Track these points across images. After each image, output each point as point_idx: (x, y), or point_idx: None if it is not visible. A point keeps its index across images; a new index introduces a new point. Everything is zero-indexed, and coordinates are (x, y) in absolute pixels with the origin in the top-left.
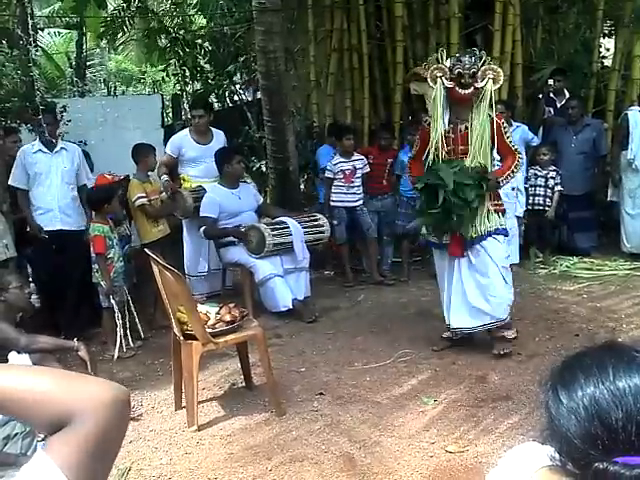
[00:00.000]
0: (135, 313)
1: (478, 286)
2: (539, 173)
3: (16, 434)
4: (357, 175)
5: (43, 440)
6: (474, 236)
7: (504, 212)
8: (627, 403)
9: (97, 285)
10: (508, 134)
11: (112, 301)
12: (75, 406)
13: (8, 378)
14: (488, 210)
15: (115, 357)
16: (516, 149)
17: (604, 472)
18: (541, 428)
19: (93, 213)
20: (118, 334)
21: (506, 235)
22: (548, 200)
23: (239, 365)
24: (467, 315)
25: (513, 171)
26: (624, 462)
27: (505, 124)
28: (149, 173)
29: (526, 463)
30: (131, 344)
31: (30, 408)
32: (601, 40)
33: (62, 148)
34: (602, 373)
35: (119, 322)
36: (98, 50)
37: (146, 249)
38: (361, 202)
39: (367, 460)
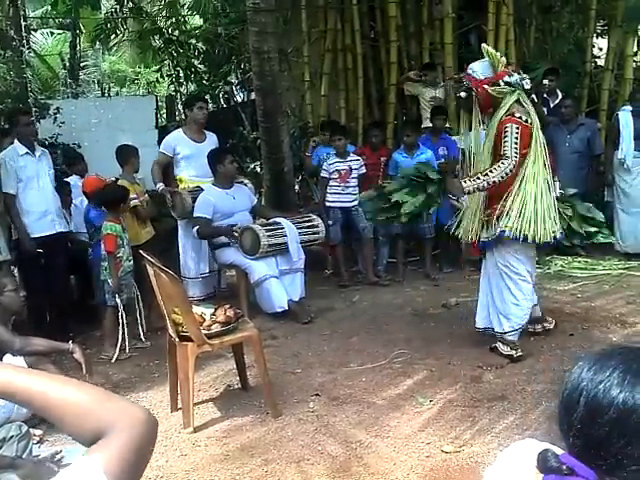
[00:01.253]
0: (141, 312)
1: (492, 290)
2: None
3: (12, 437)
4: (353, 175)
5: (39, 443)
6: (485, 240)
7: (503, 214)
8: None
9: (104, 283)
10: (507, 139)
11: (117, 300)
12: (116, 420)
13: (58, 389)
14: (489, 215)
15: (115, 357)
16: (505, 154)
17: None
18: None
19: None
20: (120, 334)
21: (524, 239)
22: None
23: (234, 366)
24: (492, 315)
25: (487, 174)
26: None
27: (509, 128)
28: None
29: (524, 460)
30: (141, 341)
31: (75, 419)
32: (594, 40)
33: (42, 151)
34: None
35: (122, 321)
36: (92, 51)
37: (140, 251)
38: (356, 202)
39: (363, 461)
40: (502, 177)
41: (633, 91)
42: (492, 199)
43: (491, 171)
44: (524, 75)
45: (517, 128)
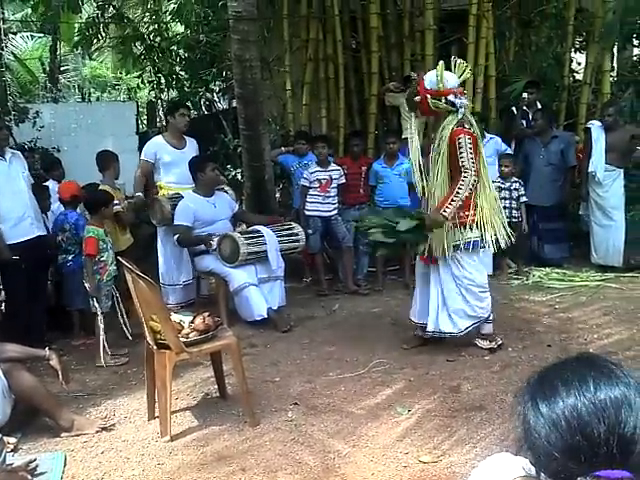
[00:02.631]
0: (122, 315)
1: (450, 293)
2: (503, 185)
3: None
4: (333, 185)
5: (12, 451)
6: (439, 253)
7: (472, 223)
8: (609, 416)
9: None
10: (462, 151)
11: (96, 304)
12: None
13: None
14: (453, 225)
15: (102, 363)
16: (463, 166)
17: None
18: (516, 439)
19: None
20: (101, 339)
21: (482, 247)
22: (515, 212)
23: (213, 374)
24: (442, 319)
25: (458, 193)
26: (606, 476)
27: (462, 139)
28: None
29: (499, 474)
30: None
31: None
32: (572, 55)
33: (12, 153)
34: (583, 385)
35: (101, 326)
36: (72, 56)
37: (119, 257)
38: (336, 212)
39: (341, 470)
40: (470, 189)
41: (603, 106)
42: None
43: (460, 188)
44: (464, 102)
45: (469, 138)
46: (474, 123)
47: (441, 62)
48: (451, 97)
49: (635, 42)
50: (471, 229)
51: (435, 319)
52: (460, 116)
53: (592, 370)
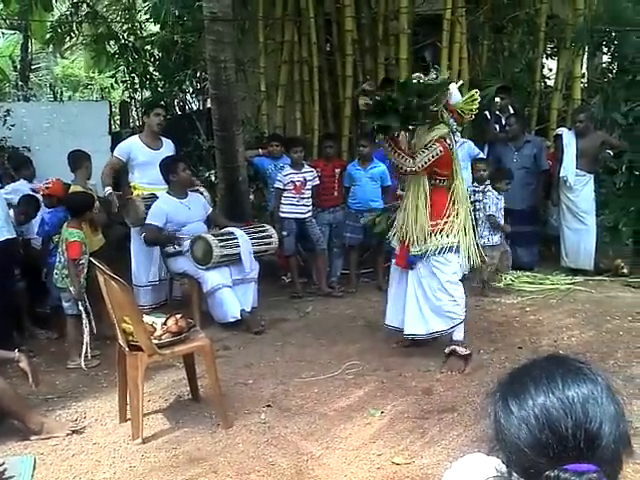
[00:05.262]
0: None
1: (426, 296)
2: (477, 189)
3: None
4: (307, 187)
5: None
6: (416, 253)
7: (449, 230)
8: (576, 412)
9: (63, 291)
10: (427, 152)
11: (81, 307)
12: None
13: None
14: (430, 232)
15: (83, 365)
16: (415, 157)
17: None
18: (487, 439)
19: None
20: (85, 342)
21: (456, 252)
22: (491, 217)
23: (185, 376)
24: (419, 322)
25: (400, 156)
26: (574, 469)
27: (435, 147)
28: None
29: (472, 474)
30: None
31: None
32: (544, 61)
33: None
34: (551, 383)
35: (86, 329)
36: (44, 54)
37: (91, 258)
38: (310, 214)
39: (314, 472)
40: (399, 167)
41: (574, 112)
42: (432, 216)
43: (402, 157)
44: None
45: (441, 151)
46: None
47: (460, 82)
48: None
49: (604, 49)
50: (447, 236)
51: (413, 322)
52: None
53: (561, 369)
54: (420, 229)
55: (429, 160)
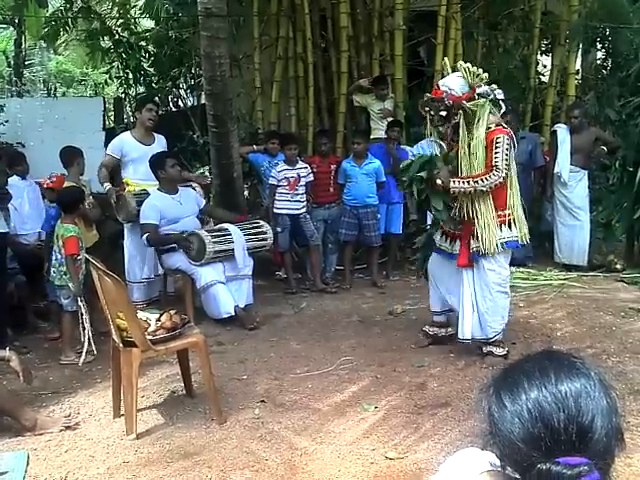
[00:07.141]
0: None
1: (483, 296)
2: None
3: None
4: (301, 183)
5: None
6: (476, 250)
7: (510, 222)
8: (569, 405)
9: (61, 288)
10: (499, 151)
11: (80, 304)
12: None
13: None
14: (490, 222)
15: (82, 360)
16: (496, 165)
17: (547, 472)
18: (481, 433)
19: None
20: (86, 337)
21: (516, 247)
22: None
23: (179, 372)
24: (476, 324)
25: (477, 182)
26: (566, 462)
27: (501, 139)
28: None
29: (466, 468)
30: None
31: None
32: (538, 57)
33: None
34: (544, 378)
35: (87, 325)
36: (38, 50)
37: (86, 254)
38: (304, 210)
39: (308, 467)
40: (490, 187)
41: (568, 108)
42: (496, 208)
43: (482, 180)
44: (494, 86)
45: (509, 140)
46: (500, 119)
47: (460, 63)
48: (478, 90)
49: (598, 45)
50: (509, 228)
51: (472, 324)
52: (488, 107)
53: (554, 364)
54: (485, 222)
55: (507, 156)
